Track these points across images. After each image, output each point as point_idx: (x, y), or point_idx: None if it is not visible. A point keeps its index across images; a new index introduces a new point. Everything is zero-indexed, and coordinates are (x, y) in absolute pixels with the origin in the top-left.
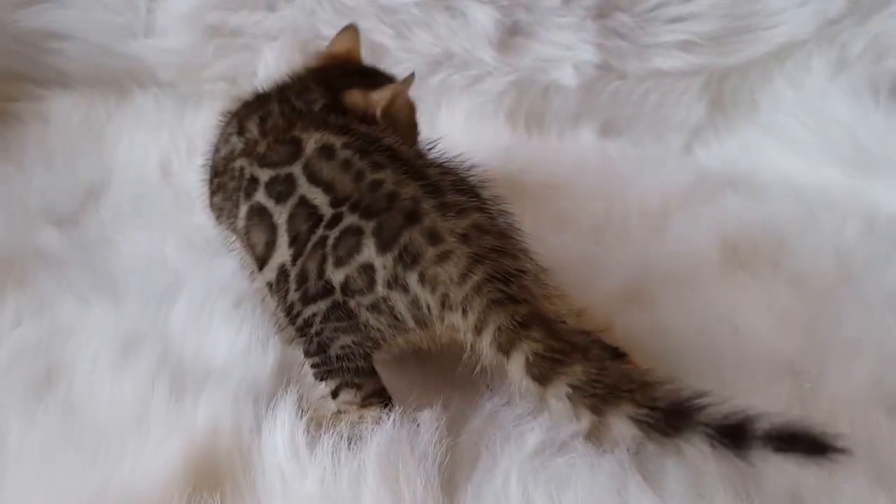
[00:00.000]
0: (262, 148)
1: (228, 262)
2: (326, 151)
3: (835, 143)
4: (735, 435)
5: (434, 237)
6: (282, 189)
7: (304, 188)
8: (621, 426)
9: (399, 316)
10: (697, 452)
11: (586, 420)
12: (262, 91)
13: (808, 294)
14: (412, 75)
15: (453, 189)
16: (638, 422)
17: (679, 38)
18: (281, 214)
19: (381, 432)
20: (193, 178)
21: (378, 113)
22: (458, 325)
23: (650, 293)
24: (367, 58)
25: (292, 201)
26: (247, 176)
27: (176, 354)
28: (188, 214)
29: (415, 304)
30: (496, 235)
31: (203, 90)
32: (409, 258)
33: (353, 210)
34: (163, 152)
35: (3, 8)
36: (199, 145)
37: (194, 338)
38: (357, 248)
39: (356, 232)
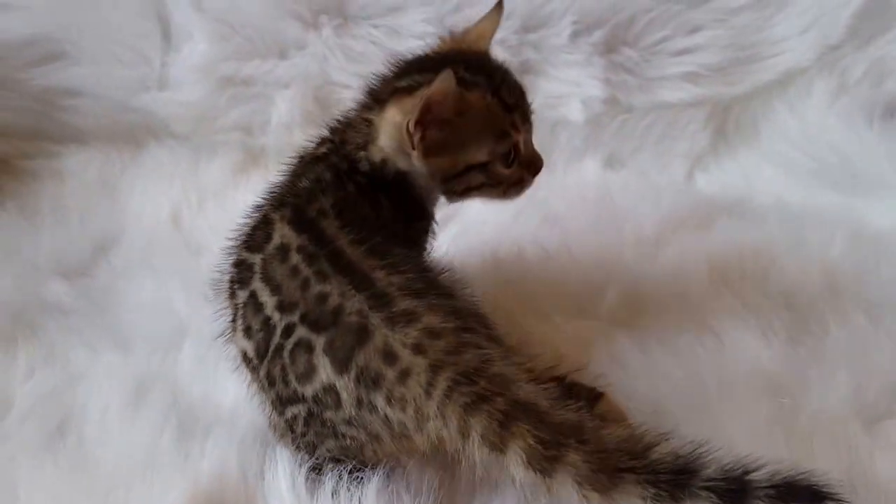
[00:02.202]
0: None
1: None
2: (283, 252)
3: (828, 164)
4: (736, 495)
5: (389, 356)
6: (243, 276)
7: (257, 283)
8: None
9: (375, 432)
10: None
11: (595, 500)
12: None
13: (793, 309)
14: (448, 72)
15: (401, 292)
16: (645, 499)
17: (684, 70)
18: (240, 299)
19: (379, 473)
20: (203, 225)
21: (411, 127)
22: (442, 434)
23: (639, 316)
24: None
25: (247, 291)
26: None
27: (185, 400)
28: (196, 261)
29: (387, 423)
30: (450, 334)
31: (217, 140)
32: (369, 381)
33: (302, 321)
34: (174, 202)
35: (17, 67)
36: (210, 194)
37: (202, 383)
38: (313, 368)
39: (307, 347)
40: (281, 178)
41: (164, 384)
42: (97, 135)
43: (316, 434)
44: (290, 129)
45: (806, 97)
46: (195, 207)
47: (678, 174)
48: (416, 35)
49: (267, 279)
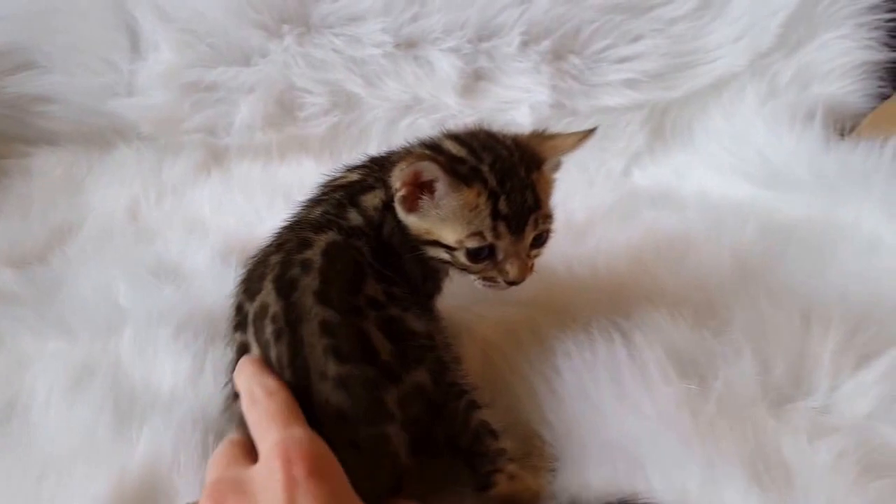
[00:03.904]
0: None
1: (175, 293)
2: (262, 315)
3: (749, 161)
4: None
5: None
6: (238, 322)
7: (250, 336)
8: None
9: None
10: None
11: None
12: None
13: (703, 291)
14: (430, 163)
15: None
16: None
17: (625, 76)
18: (236, 342)
19: None
20: (158, 216)
21: (397, 184)
22: None
23: (561, 299)
24: (343, 105)
25: (237, 341)
26: None
27: (126, 386)
28: (147, 249)
29: None
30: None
31: (182, 141)
32: None
33: None
34: (133, 196)
35: None
36: (169, 189)
37: (142, 368)
38: None
39: None
40: (302, 204)
41: (106, 369)
42: (68, 137)
43: None
44: (252, 131)
45: (738, 101)
46: (153, 201)
47: (616, 170)
48: (375, 44)
49: (256, 335)
